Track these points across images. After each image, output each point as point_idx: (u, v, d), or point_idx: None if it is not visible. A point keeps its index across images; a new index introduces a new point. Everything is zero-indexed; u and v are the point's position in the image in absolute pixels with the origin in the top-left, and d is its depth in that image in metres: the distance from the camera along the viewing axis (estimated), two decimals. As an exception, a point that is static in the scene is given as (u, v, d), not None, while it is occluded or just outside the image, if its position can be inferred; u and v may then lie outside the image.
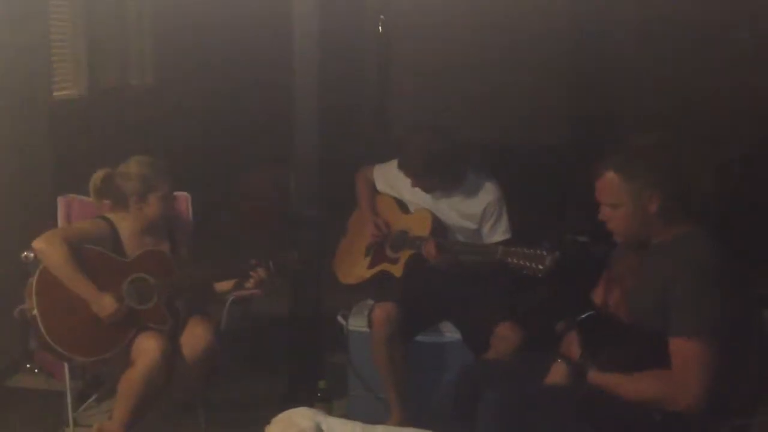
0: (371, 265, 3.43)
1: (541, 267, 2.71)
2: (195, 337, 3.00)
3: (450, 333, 3.33)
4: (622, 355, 2.36)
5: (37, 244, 2.92)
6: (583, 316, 2.46)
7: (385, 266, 3.38)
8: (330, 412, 3.37)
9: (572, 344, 2.49)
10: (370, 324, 3.21)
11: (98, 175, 3.07)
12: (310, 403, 3.35)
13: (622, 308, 2.42)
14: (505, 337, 3.08)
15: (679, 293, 2.21)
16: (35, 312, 2.88)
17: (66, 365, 3.08)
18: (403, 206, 3.44)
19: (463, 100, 5.37)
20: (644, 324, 2.32)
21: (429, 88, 5.43)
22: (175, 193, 3.29)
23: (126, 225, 3.08)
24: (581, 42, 5.25)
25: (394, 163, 3.47)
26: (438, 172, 3.25)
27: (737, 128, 4.73)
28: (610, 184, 2.33)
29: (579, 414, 2.30)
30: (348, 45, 5.17)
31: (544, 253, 2.73)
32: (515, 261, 2.81)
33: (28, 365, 3.72)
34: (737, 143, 4.69)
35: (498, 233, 3.29)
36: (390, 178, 3.50)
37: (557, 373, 2.43)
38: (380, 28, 5.76)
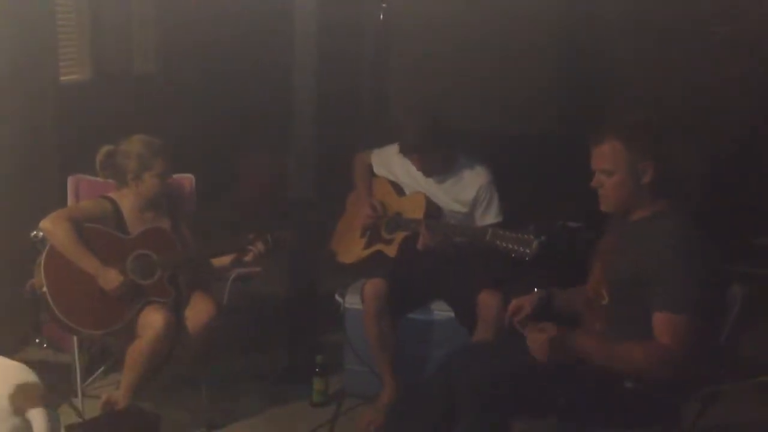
0: (367, 246, 3.55)
1: (527, 251, 2.82)
2: (198, 312, 3.13)
3: (439, 311, 3.45)
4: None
5: (44, 224, 3.06)
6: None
7: (380, 247, 3.50)
8: (327, 386, 3.53)
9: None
10: (362, 299, 3.34)
11: (102, 151, 3.20)
12: (308, 377, 3.52)
13: (602, 283, 2.53)
14: (486, 303, 3.19)
15: (658, 268, 2.32)
16: (45, 288, 3.01)
17: (75, 338, 3.22)
18: (398, 189, 3.56)
19: (460, 87, 5.47)
20: (620, 297, 2.44)
21: (426, 75, 5.52)
22: (180, 175, 3.43)
23: (127, 203, 3.20)
24: (575, 33, 5.35)
25: (391, 147, 3.60)
26: (436, 153, 3.36)
27: (720, 117, 4.85)
28: (609, 151, 2.42)
29: (552, 385, 2.40)
30: (347, 31, 5.27)
31: (531, 237, 2.83)
32: (503, 244, 2.91)
33: (36, 340, 3.85)
34: (721, 131, 4.82)
35: (490, 216, 3.40)
36: (386, 162, 3.62)
37: (536, 341, 2.47)
38: (381, 15, 5.84)
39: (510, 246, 2.90)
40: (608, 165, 2.44)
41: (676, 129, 2.52)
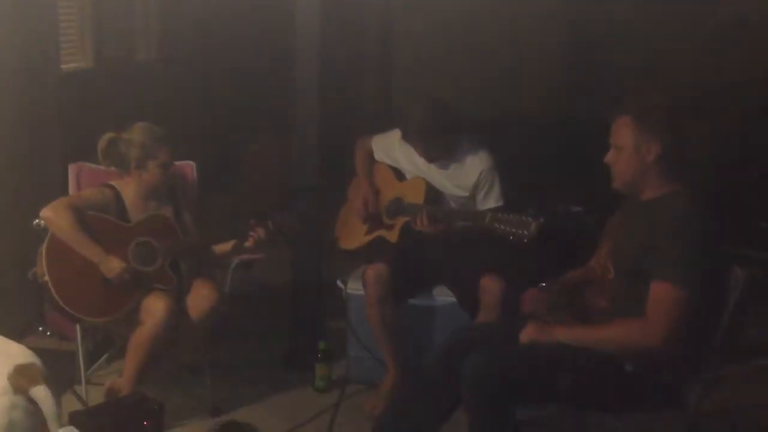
0: (368, 232, 3.56)
1: (526, 233, 2.81)
2: (200, 298, 3.13)
3: (441, 296, 3.45)
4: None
5: (45, 212, 3.06)
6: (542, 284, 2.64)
7: (381, 232, 3.51)
8: (330, 372, 3.54)
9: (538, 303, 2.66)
10: (364, 285, 3.35)
11: (104, 138, 3.20)
12: (311, 364, 3.53)
13: (609, 258, 2.54)
14: (488, 288, 3.19)
15: (661, 242, 2.34)
16: (46, 277, 3.02)
17: (78, 326, 3.23)
18: (399, 174, 3.56)
19: (462, 73, 5.45)
20: (626, 272, 2.44)
21: (428, 60, 5.50)
22: (181, 162, 3.43)
23: (129, 191, 3.20)
24: (577, 18, 5.34)
25: (392, 133, 3.59)
26: (440, 138, 3.36)
27: (728, 98, 4.82)
28: (620, 127, 2.48)
29: (552, 370, 2.42)
30: (350, 17, 5.25)
31: (530, 219, 2.82)
32: (502, 227, 2.90)
33: (40, 328, 3.86)
34: (729, 114, 4.80)
35: (491, 201, 3.40)
36: (387, 148, 3.61)
37: (528, 334, 2.52)
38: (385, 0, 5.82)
39: (509, 228, 2.89)
40: (618, 140, 2.49)
41: (685, 112, 2.52)
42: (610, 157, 2.52)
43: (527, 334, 2.51)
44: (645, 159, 2.44)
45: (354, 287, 3.49)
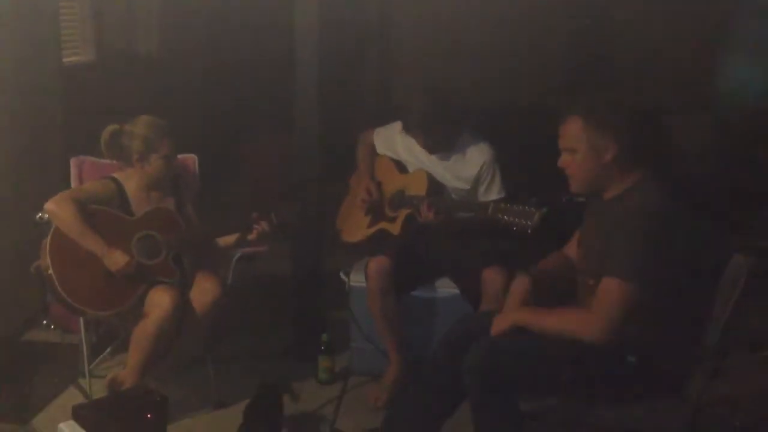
0: (371, 224, 3.56)
1: (529, 223, 2.80)
2: (204, 291, 3.13)
3: (444, 288, 3.46)
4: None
5: (48, 205, 3.06)
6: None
7: (383, 225, 3.51)
8: (333, 364, 3.55)
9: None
10: (366, 277, 3.35)
11: (107, 130, 3.20)
12: (314, 356, 3.54)
13: (583, 261, 2.53)
14: (491, 280, 3.20)
15: (616, 237, 2.30)
16: (50, 270, 3.02)
17: (81, 320, 3.24)
18: (401, 167, 3.56)
19: (463, 64, 5.45)
20: (593, 275, 2.40)
21: (430, 55, 5.50)
22: (183, 155, 3.43)
23: (132, 183, 3.20)
24: (579, 7, 5.34)
25: (394, 125, 3.59)
26: (441, 129, 3.36)
27: (729, 97, 4.84)
28: (571, 129, 2.40)
29: (554, 362, 2.41)
30: (349, 10, 5.24)
31: (533, 209, 2.82)
32: (505, 218, 2.89)
33: (44, 321, 3.88)
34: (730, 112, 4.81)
35: (492, 193, 3.41)
36: (389, 141, 3.61)
37: (494, 324, 2.53)
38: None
39: (512, 219, 2.87)
40: (571, 143, 2.42)
41: (642, 105, 2.48)
42: (563, 161, 2.45)
43: (494, 325, 2.52)
44: (602, 159, 2.37)
45: (357, 279, 3.50)
